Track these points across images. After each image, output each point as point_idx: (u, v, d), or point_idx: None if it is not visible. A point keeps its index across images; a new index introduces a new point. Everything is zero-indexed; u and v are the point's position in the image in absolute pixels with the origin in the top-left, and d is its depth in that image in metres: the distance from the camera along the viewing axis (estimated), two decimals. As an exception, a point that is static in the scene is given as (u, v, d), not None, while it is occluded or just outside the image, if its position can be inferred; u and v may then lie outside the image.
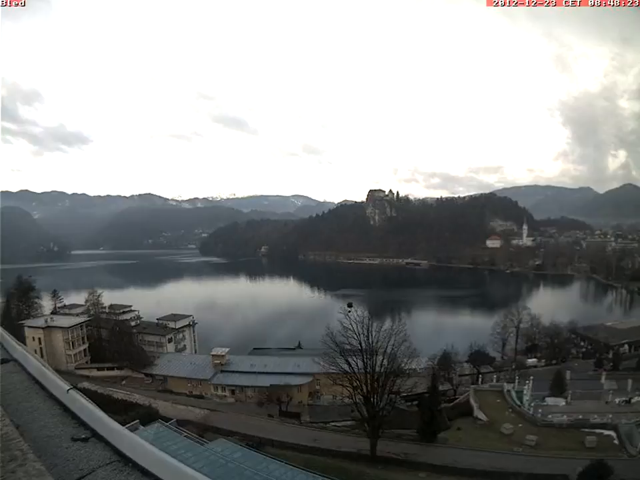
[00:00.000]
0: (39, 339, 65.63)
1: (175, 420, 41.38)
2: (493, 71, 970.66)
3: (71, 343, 66.84)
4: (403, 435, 43.15)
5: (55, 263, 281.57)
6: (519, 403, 47.87)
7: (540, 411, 44.71)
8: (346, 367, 40.08)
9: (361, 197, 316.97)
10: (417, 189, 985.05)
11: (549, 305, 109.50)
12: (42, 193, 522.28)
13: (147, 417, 39.74)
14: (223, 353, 63.47)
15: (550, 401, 47.61)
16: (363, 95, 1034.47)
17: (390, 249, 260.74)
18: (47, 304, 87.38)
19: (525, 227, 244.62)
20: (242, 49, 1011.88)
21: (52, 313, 79.53)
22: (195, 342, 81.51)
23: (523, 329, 73.78)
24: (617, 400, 46.56)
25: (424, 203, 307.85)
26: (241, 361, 65.07)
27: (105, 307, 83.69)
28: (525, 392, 48.56)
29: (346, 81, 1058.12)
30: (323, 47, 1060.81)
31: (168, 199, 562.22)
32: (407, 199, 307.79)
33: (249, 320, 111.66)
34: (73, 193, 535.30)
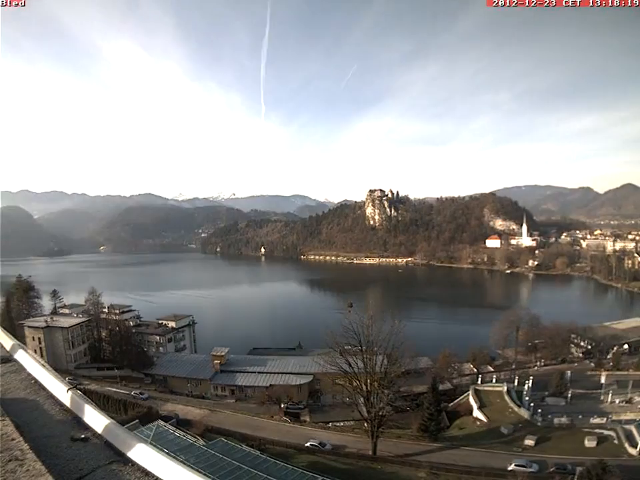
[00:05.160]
0: (39, 338, 65.66)
1: (175, 420, 41.58)
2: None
3: (70, 343, 66.89)
4: (403, 435, 43.18)
5: (54, 262, 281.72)
6: (519, 402, 47.85)
7: (540, 411, 44.69)
8: (346, 366, 40.09)
9: (361, 196, 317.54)
10: (417, 189, 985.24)
11: (548, 305, 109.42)
12: (42, 192, 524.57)
13: (147, 417, 39.86)
14: (223, 353, 63.50)
15: (550, 400, 47.65)
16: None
17: (390, 249, 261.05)
18: (46, 304, 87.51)
19: (524, 226, 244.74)
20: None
21: (52, 313, 79.59)
22: (194, 342, 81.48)
23: (522, 329, 73.70)
24: (617, 400, 46.57)
25: (424, 203, 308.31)
26: (241, 360, 65.14)
27: (105, 307, 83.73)
28: (524, 392, 48.55)
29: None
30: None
31: (168, 199, 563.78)
32: (406, 198, 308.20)
33: (249, 320, 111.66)
34: (73, 193, 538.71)
